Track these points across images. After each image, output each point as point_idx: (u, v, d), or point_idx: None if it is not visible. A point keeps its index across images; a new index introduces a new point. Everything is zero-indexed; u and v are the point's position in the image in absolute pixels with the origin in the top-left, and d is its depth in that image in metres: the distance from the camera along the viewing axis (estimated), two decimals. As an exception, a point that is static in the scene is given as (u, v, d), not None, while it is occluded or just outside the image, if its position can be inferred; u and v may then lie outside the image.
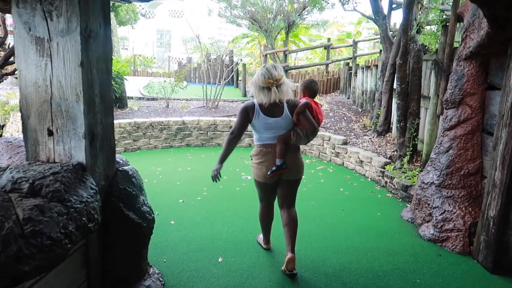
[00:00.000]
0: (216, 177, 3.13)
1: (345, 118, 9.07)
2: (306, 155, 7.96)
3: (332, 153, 7.43)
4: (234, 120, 8.26)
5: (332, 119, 8.95)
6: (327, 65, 13.18)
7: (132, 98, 10.44)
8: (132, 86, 11.88)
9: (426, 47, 6.05)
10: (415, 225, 4.38)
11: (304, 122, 3.03)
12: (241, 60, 10.41)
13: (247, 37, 17.48)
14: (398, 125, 6.33)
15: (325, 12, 14.56)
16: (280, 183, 3.23)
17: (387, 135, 7.72)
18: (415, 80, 6.00)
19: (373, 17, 8.00)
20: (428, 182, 4.24)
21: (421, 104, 6.16)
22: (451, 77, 4.17)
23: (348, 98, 10.75)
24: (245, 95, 13.58)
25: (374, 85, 9.02)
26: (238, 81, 16.31)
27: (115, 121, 7.14)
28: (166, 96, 9.34)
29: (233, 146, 3.16)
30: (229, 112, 9.12)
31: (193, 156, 7.32)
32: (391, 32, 7.97)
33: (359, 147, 7.21)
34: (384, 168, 6.16)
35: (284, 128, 3.06)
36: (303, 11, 13.39)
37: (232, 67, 10.20)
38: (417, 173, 5.67)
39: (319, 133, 7.80)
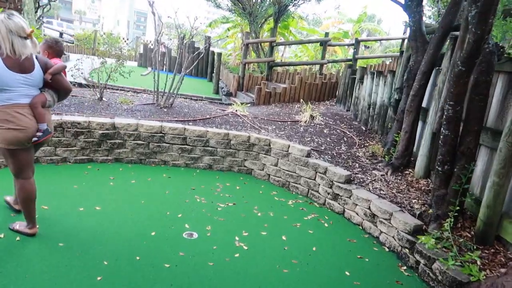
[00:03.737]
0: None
1: (345, 139, 6.87)
2: (289, 190, 5.70)
3: (329, 193, 5.20)
4: (191, 129, 5.89)
5: (328, 139, 6.72)
6: (321, 65, 10.99)
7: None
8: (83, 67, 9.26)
9: (502, 50, 3.89)
10: None
11: (59, 84, 3.15)
12: (208, 45, 8.02)
13: (228, 22, 15.04)
14: (440, 168, 4.15)
15: (324, 1, 12.38)
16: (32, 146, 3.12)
17: (407, 171, 5.58)
18: (478, 102, 3.84)
19: (403, 2, 5.81)
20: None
21: (480, 140, 4.01)
22: None
23: (348, 111, 8.58)
24: (217, 92, 11.21)
25: (388, 97, 6.88)
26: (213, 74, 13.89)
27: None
28: (100, 83, 6.86)
29: None
30: (186, 115, 6.74)
31: (118, 180, 4.92)
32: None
33: (369, 190, 5.01)
34: (413, 235, 3.98)
35: (34, 85, 3.00)
36: (299, -4, 11.15)
37: (199, 53, 7.84)
38: (475, 258, 3.49)
39: (310, 160, 5.58)
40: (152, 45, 20.39)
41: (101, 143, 5.46)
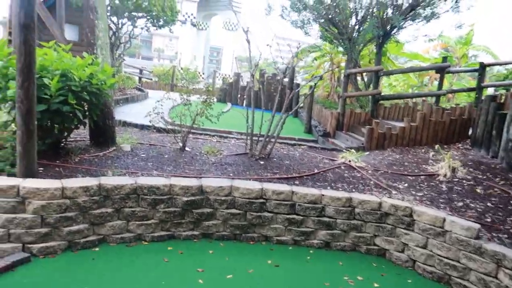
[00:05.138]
0: None
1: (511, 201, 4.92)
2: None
3: (530, 306, 3.32)
4: (301, 192, 4.40)
5: (489, 204, 4.83)
6: (438, 96, 9.09)
7: (128, 125, 6.94)
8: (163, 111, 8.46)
9: None
10: None
11: None
12: (320, 77, 6.64)
13: (317, 50, 13.68)
14: None
15: (436, 19, 10.53)
16: None
17: None
18: None
19: None
20: None
21: None
22: None
23: (494, 157, 6.56)
24: (309, 131, 9.72)
25: None
26: (299, 109, 12.50)
27: (55, 184, 3.44)
28: (184, 125, 5.71)
29: None
30: (289, 170, 5.30)
31: (209, 274, 3.54)
32: None
33: None
34: None
35: None
36: (409, 14, 9.41)
37: (298, 91, 6.53)
38: None
39: (484, 245, 3.75)
40: (231, 79, 19.79)
41: (185, 213, 4.17)
